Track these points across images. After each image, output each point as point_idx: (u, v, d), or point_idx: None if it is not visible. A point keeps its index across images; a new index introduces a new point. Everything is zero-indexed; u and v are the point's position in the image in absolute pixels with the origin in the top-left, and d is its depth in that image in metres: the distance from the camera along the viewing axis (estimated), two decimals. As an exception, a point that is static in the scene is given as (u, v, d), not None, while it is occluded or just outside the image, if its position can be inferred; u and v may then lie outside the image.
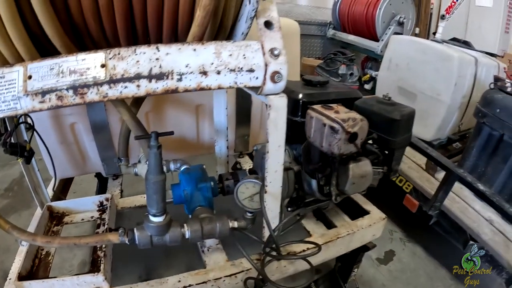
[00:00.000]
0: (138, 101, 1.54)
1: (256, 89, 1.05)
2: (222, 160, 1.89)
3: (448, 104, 2.49)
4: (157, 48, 0.92)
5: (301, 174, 1.47)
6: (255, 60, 1.00)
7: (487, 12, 4.47)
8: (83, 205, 1.69)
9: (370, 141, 1.42)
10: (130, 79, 0.91)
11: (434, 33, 3.52)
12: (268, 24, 1.03)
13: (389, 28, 3.27)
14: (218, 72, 0.97)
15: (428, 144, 2.77)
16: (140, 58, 0.91)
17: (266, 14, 1.03)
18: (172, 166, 1.56)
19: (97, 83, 0.89)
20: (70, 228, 1.68)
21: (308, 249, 1.45)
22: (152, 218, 1.14)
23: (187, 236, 1.21)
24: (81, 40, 0.98)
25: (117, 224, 1.62)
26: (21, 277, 1.25)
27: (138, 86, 0.92)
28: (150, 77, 0.92)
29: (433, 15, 4.24)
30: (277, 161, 1.18)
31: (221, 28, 1.10)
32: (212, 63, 0.96)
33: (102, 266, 1.28)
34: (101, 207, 1.68)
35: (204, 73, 0.96)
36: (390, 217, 1.78)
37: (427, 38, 3.30)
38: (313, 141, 1.30)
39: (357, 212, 1.75)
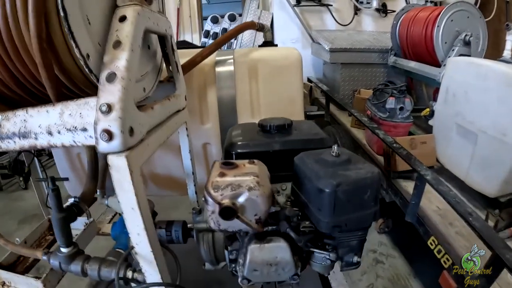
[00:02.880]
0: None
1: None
2: (194, 203, 1.74)
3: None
4: (26, 111, 0.98)
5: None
6: (88, 118, 0.91)
7: None
8: (74, 224, 1.71)
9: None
10: (9, 137, 1.00)
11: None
12: (110, 77, 0.92)
13: (453, 50, 2.46)
14: (59, 132, 0.95)
15: (491, 202, 1.97)
16: (16, 120, 0.99)
17: (112, 65, 0.93)
18: None
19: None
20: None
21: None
22: (61, 248, 1.22)
23: (87, 272, 1.22)
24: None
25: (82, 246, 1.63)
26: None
27: (14, 142, 0.99)
28: (19, 135, 0.99)
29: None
30: (135, 224, 1.00)
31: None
32: (55, 123, 0.95)
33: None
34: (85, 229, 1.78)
35: (50, 133, 0.96)
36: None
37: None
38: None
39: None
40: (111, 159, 0.92)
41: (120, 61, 0.94)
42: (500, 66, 1.84)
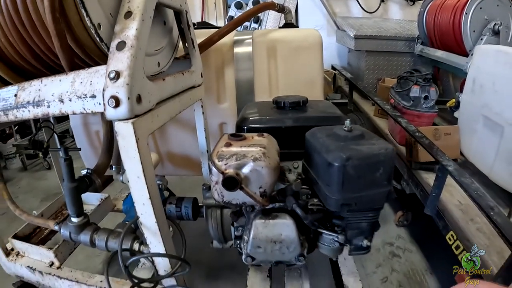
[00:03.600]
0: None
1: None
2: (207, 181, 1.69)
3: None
4: (41, 81, 1.01)
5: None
6: (98, 86, 0.91)
7: None
8: (89, 199, 1.83)
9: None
10: (23, 106, 1.01)
11: None
12: (120, 46, 0.92)
13: (481, 39, 2.27)
14: (70, 99, 0.95)
15: None
16: (31, 89, 1.01)
17: (122, 34, 0.93)
18: None
19: (12, 108, 1.04)
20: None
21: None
22: (71, 218, 1.24)
23: (95, 242, 1.24)
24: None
25: (96, 220, 1.72)
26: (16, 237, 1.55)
27: (29, 110, 1.01)
28: (33, 104, 1.00)
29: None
30: (141, 193, 0.97)
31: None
32: (67, 91, 0.95)
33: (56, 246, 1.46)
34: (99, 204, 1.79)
35: (61, 100, 0.96)
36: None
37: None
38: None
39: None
40: (118, 126, 0.91)
41: (130, 30, 0.94)
42: (530, 53, 1.68)
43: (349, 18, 3.73)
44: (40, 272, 1.44)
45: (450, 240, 1.75)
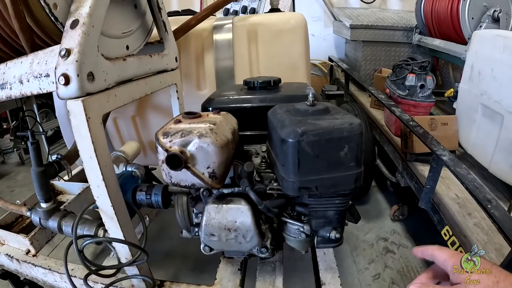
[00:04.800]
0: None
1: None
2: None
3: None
4: (6, 64, 1.00)
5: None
6: (52, 65, 0.88)
7: None
8: (72, 189, 1.79)
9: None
10: None
11: None
12: (73, 24, 0.88)
13: (480, 27, 2.10)
14: (28, 80, 0.94)
15: None
16: None
17: (77, 13, 0.89)
18: (121, 167, 1.46)
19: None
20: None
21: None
22: (40, 203, 1.19)
23: (62, 228, 1.18)
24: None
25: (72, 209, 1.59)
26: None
27: None
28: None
29: None
30: (94, 174, 0.91)
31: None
32: (26, 72, 0.94)
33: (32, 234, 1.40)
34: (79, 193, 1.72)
35: (21, 82, 0.95)
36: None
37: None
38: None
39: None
40: (69, 104, 0.86)
41: (83, 9, 0.90)
42: (530, 37, 1.52)
43: (346, 9, 3.59)
44: (18, 260, 1.41)
45: (445, 235, 1.61)
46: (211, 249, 0.89)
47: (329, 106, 0.81)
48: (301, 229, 0.86)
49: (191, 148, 0.73)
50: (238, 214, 0.81)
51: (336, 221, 0.84)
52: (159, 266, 1.92)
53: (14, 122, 3.26)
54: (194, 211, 0.93)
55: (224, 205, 0.81)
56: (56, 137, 3.86)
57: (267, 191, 0.82)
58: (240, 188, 0.84)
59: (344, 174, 0.74)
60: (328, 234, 0.85)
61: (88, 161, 0.90)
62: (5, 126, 3.41)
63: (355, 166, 0.75)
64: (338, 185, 0.76)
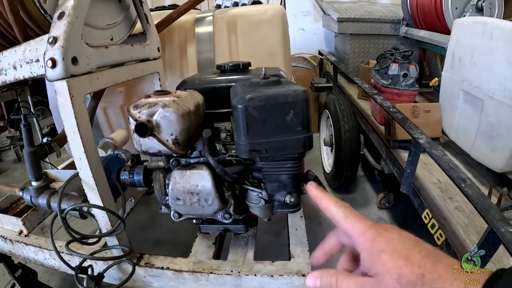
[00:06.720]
0: (96, 95, 1.64)
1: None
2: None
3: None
4: (2, 53, 1.15)
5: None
6: (41, 51, 1.02)
7: None
8: (64, 176, 1.82)
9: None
10: None
11: None
12: (60, 15, 1.03)
13: (464, 16, 2.20)
14: (21, 66, 1.07)
15: (499, 179, 1.75)
16: None
17: (63, 6, 1.04)
18: (109, 152, 1.61)
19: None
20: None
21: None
22: (31, 182, 1.32)
23: (51, 204, 1.30)
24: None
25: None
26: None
27: None
28: None
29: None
30: (77, 147, 1.05)
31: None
32: (19, 59, 1.08)
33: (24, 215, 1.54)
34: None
35: (15, 67, 1.09)
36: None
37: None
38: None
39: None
40: (56, 85, 1.00)
41: (69, 2, 1.05)
42: (506, 23, 1.61)
43: (335, 3, 3.74)
44: (11, 241, 1.54)
45: (425, 218, 1.70)
46: (179, 215, 1.02)
47: (282, 80, 0.93)
48: (260, 195, 0.97)
49: (156, 117, 0.87)
50: (200, 178, 0.93)
51: (290, 186, 0.95)
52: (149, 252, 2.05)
53: (11, 112, 3.44)
54: (166, 182, 1.06)
55: (187, 171, 0.94)
56: (52, 134, 4.05)
57: (227, 158, 0.94)
58: (205, 158, 0.97)
59: (292, 137, 0.84)
60: (283, 199, 0.96)
61: (72, 136, 1.04)
62: (1, 124, 3.60)
63: (302, 130, 0.84)
64: (287, 148, 0.85)
